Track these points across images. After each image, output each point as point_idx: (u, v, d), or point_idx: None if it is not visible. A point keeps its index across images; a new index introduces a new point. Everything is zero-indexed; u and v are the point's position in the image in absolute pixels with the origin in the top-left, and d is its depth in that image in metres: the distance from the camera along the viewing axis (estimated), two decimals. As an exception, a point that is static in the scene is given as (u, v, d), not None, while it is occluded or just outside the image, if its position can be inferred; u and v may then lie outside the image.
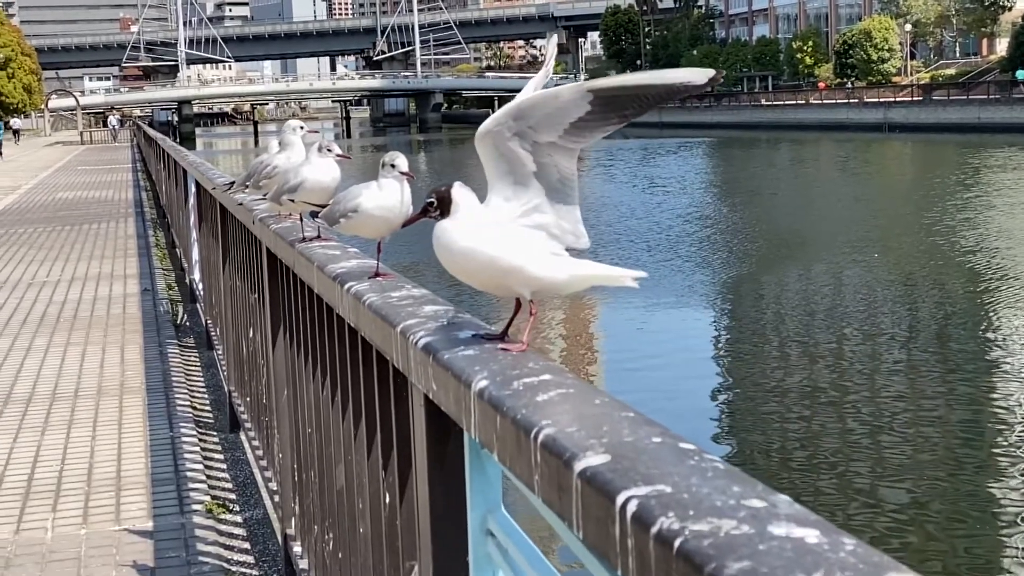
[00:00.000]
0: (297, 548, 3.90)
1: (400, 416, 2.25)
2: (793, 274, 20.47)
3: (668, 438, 1.18)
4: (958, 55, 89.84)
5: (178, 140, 47.37)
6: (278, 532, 4.57)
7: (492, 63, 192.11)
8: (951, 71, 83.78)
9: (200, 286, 9.41)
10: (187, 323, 9.82)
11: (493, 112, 1.81)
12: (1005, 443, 10.42)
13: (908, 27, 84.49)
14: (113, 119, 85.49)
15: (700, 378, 13.27)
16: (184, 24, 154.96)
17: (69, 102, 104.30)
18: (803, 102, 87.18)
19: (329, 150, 3.25)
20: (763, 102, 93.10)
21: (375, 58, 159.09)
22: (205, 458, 5.85)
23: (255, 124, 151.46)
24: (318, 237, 3.37)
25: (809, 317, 16.68)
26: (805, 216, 29.08)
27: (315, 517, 3.48)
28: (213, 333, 8.00)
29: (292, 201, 3.32)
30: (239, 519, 5.05)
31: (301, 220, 3.55)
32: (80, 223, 18.62)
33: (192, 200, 9.82)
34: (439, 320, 1.95)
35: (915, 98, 77.17)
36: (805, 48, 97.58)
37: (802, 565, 0.85)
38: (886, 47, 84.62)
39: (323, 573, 3.38)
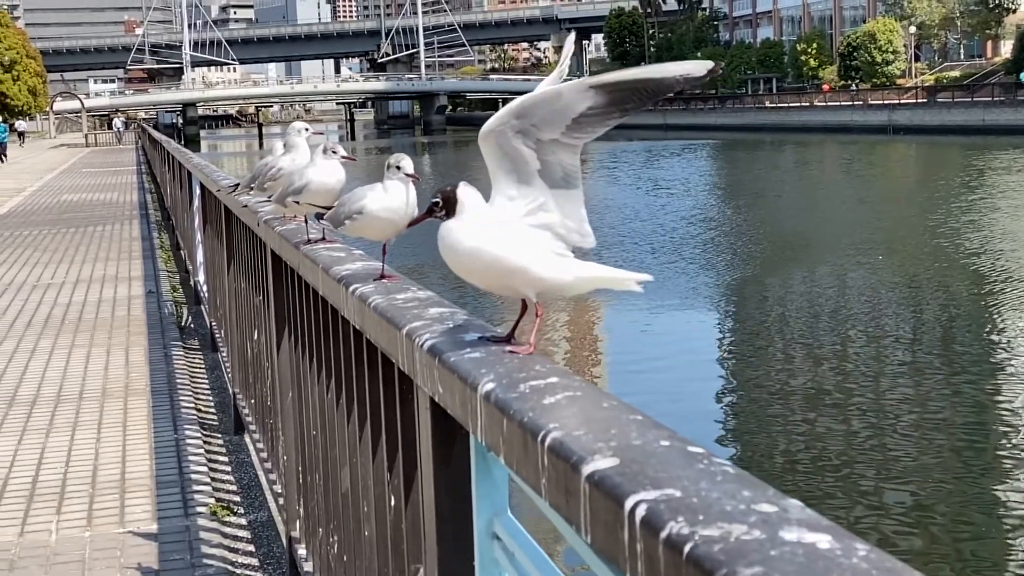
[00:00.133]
0: (302, 551, 3.89)
1: (405, 418, 2.25)
2: (797, 276, 20.44)
3: (677, 442, 1.17)
4: (962, 57, 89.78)
5: (183, 142, 47.43)
6: (283, 535, 4.56)
7: (496, 65, 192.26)
8: (955, 73, 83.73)
9: (204, 288, 9.41)
10: (191, 325, 9.82)
11: (497, 115, 1.81)
12: (1011, 445, 10.39)
13: (912, 29, 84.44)
14: (118, 121, 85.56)
15: (704, 380, 13.25)
16: (189, 27, 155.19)
17: (74, 104, 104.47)
18: (807, 104, 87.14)
19: (334, 152, 3.24)
20: (767, 104, 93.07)
21: (379, 60, 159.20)
22: (209, 460, 5.85)
23: (259, 126, 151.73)
24: (323, 239, 3.36)
25: (814, 319, 16.66)
26: (809, 218, 29.05)
27: (320, 520, 3.48)
28: (217, 335, 7.99)
29: (297, 203, 3.31)
30: (243, 522, 5.04)
31: (306, 222, 3.55)
32: (85, 225, 18.63)
33: (196, 202, 9.82)
34: (445, 322, 1.94)
35: (919, 100, 77.14)
36: (809, 50, 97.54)
37: (814, 571, 0.84)
38: (890, 49, 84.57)
39: (328, 576, 3.37)
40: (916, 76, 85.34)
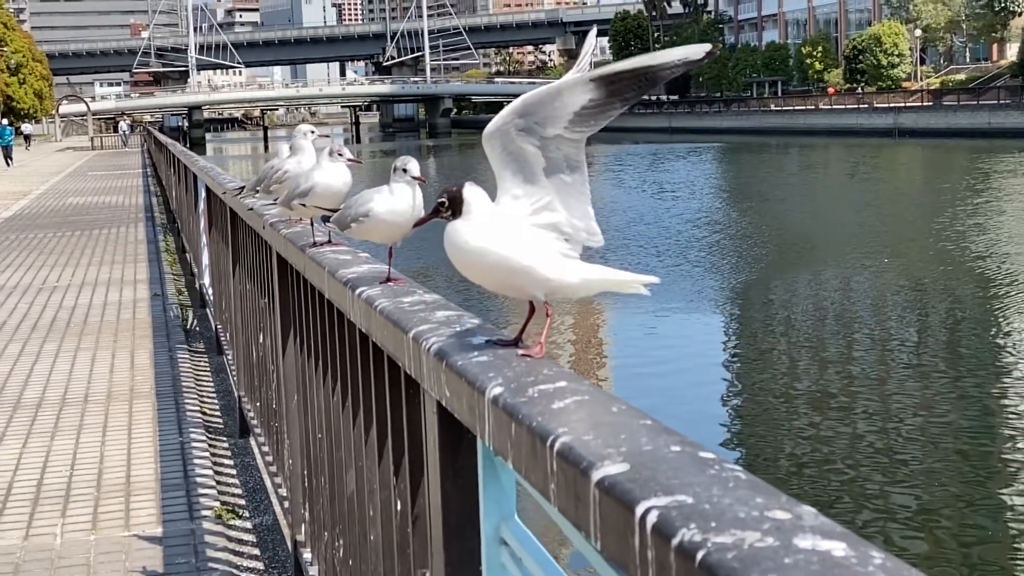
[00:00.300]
0: (307, 555, 3.88)
1: (412, 422, 2.23)
2: (803, 279, 20.41)
3: (687, 447, 1.16)
4: (968, 60, 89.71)
5: (188, 145, 47.48)
6: (288, 538, 4.55)
7: (501, 68, 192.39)
8: (961, 76, 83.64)
9: (210, 291, 9.41)
10: (197, 328, 9.82)
11: (502, 117, 1.80)
12: (1019, 449, 10.36)
13: (918, 32, 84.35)
14: (124, 124, 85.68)
15: (710, 383, 13.23)
16: (195, 30, 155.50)
17: (80, 108, 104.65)
18: (813, 107, 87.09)
19: (340, 154, 3.23)
20: (772, 107, 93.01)
21: (385, 63, 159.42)
22: (215, 463, 5.84)
23: (265, 129, 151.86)
24: (329, 242, 3.35)
25: (819, 322, 16.63)
26: (815, 221, 29.01)
27: (325, 523, 3.46)
28: (223, 338, 7.99)
29: (303, 206, 3.30)
30: (249, 525, 5.03)
31: (312, 225, 3.54)
32: (90, 228, 18.65)
33: (202, 205, 9.83)
34: (452, 326, 1.93)
35: (925, 103, 77.09)
36: (815, 53, 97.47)
37: (830, 579, 0.83)
38: (896, 52, 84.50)
39: (333, 580, 3.36)
40: (922, 79, 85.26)
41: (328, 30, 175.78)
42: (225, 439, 6.39)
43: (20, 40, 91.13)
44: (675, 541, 0.94)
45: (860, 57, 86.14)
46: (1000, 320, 15.87)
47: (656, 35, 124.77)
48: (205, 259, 9.84)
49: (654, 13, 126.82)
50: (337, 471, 3.15)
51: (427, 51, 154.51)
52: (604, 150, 67.38)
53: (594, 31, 2.11)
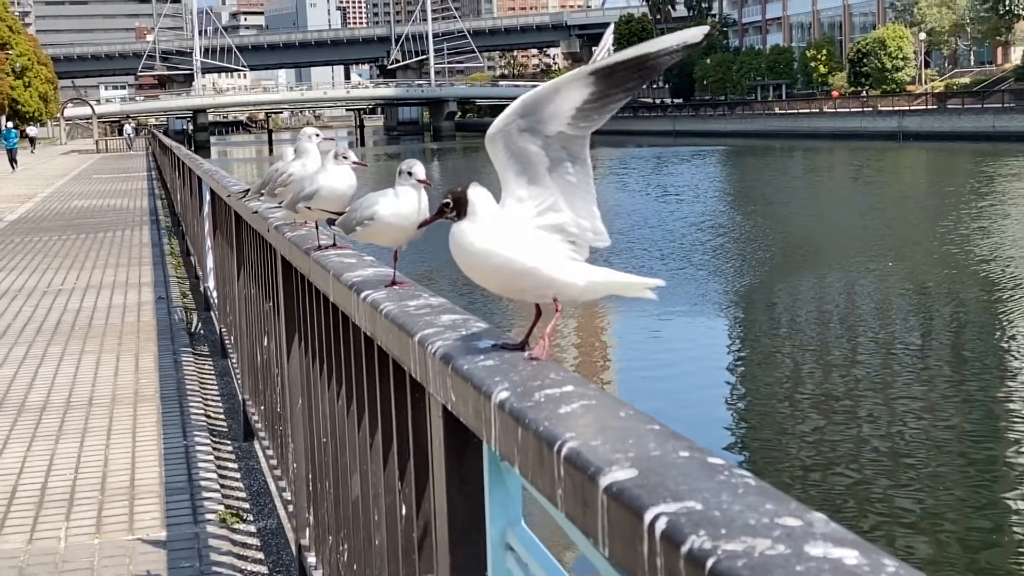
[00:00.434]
0: (311, 559, 3.87)
1: (417, 426, 2.22)
2: (807, 283, 20.39)
3: (696, 452, 1.15)
4: (972, 64, 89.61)
5: (193, 148, 47.53)
6: (292, 542, 4.54)
7: (506, 72, 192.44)
8: (965, 80, 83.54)
9: (214, 294, 9.41)
10: (201, 331, 9.81)
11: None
12: (1023, 453, 10.33)
13: (922, 36, 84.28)
14: (128, 128, 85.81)
15: (713, 387, 13.21)
16: (199, 33, 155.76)
17: (85, 111, 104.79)
18: (817, 111, 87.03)
19: (345, 157, 3.23)
20: (777, 111, 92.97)
21: (389, 67, 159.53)
22: (219, 467, 5.83)
23: (269, 132, 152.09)
24: (333, 245, 3.34)
25: (823, 326, 16.61)
26: (819, 225, 28.98)
27: (330, 527, 3.45)
28: (227, 341, 7.99)
29: (308, 209, 3.29)
30: (253, 529, 5.03)
31: (317, 228, 3.53)
32: (95, 231, 18.67)
33: (207, 208, 9.82)
34: (457, 329, 1.92)
35: (929, 107, 77.00)
36: (819, 57, 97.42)
37: (842, 587, 0.82)
38: (900, 56, 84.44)
39: (338, 584, 3.35)
40: (926, 82, 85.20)
41: (333, 33, 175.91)
42: (229, 443, 6.39)
43: (25, 43, 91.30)
44: (684, 548, 0.93)
45: (864, 60, 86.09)
46: (1005, 323, 15.84)
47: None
48: (210, 262, 9.84)
49: (658, 16, 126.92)
50: (342, 475, 3.14)
51: (431, 54, 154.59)
52: (608, 153, 67.40)
53: (611, 28, 2.10)
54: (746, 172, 53.67)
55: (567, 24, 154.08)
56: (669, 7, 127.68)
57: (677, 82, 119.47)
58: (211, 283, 9.81)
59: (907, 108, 77.62)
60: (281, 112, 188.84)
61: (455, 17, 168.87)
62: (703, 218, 30.48)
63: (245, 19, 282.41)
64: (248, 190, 4.93)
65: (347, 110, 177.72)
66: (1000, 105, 70.68)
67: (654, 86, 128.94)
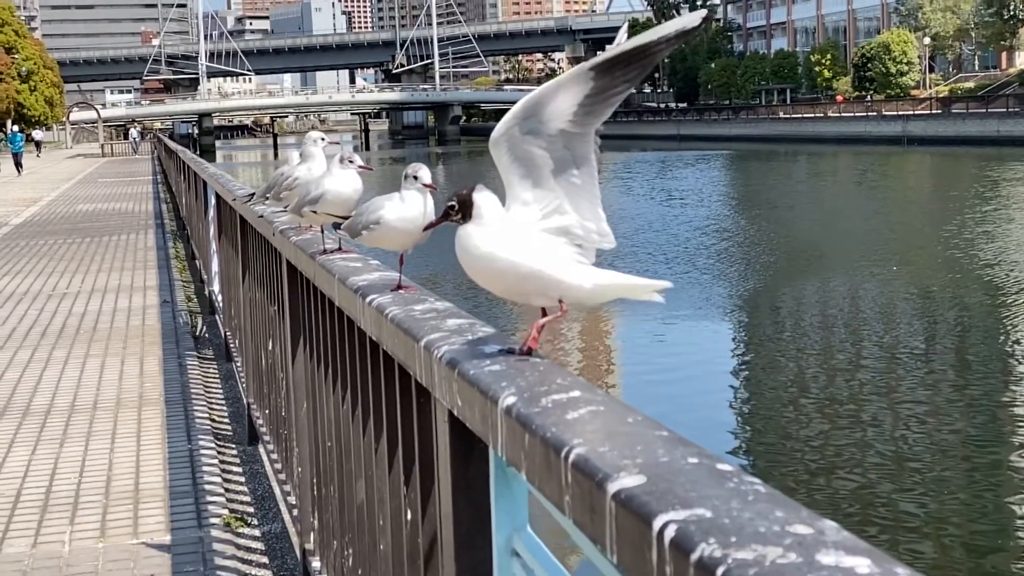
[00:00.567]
0: (316, 563, 3.86)
1: (423, 431, 2.22)
2: (811, 287, 20.36)
3: (705, 459, 1.14)
4: (977, 68, 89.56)
5: (198, 152, 47.60)
6: (296, 547, 4.54)
7: (511, 76, 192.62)
8: (970, 84, 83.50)
9: (219, 298, 9.41)
10: (206, 335, 9.82)
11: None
12: (1029, 459, 10.30)
13: (927, 40, 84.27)
14: (134, 132, 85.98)
15: (717, 391, 13.19)
16: (205, 38, 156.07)
17: (90, 115, 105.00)
18: (821, 115, 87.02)
19: (351, 161, 3.22)
20: (781, 115, 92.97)
21: (394, 71, 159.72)
22: (223, 471, 5.83)
23: (275, 136, 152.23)
24: (339, 249, 3.34)
25: (828, 330, 16.59)
26: (823, 229, 28.95)
27: (334, 532, 3.45)
28: (232, 345, 7.98)
29: (314, 213, 3.29)
30: (257, 533, 5.02)
31: (322, 232, 3.53)
32: (100, 235, 18.69)
33: (212, 212, 9.83)
34: (463, 334, 1.91)
35: (934, 111, 76.95)
36: (823, 61, 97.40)
37: (855, 597, 0.81)
38: (905, 60, 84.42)
39: (342, 589, 3.34)
40: (930, 87, 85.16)
41: (338, 38, 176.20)
42: (234, 446, 6.38)
43: (31, 48, 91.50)
44: (694, 556, 0.92)
45: (869, 65, 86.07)
46: (1009, 328, 15.80)
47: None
48: (215, 266, 9.84)
49: (663, 20, 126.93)
50: (347, 479, 3.13)
51: (436, 58, 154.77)
52: (613, 157, 67.41)
53: (625, 27, 2.09)
54: (750, 176, 53.65)
55: (572, 28, 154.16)
56: (674, 12, 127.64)
57: (681, 86, 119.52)
58: (216, 287, 9.81)
59: (911, 113, 77.59)
60: (286, 116, 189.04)
61: (460, 21, 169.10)
62: (707, 222, 30.47)
63: (250, 23, 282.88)
64: (253, 194, 4.93)
65: (352, 114, 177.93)
66: (1004, 110, 70.64)
67: (659, 90, 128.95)
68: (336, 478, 3.33)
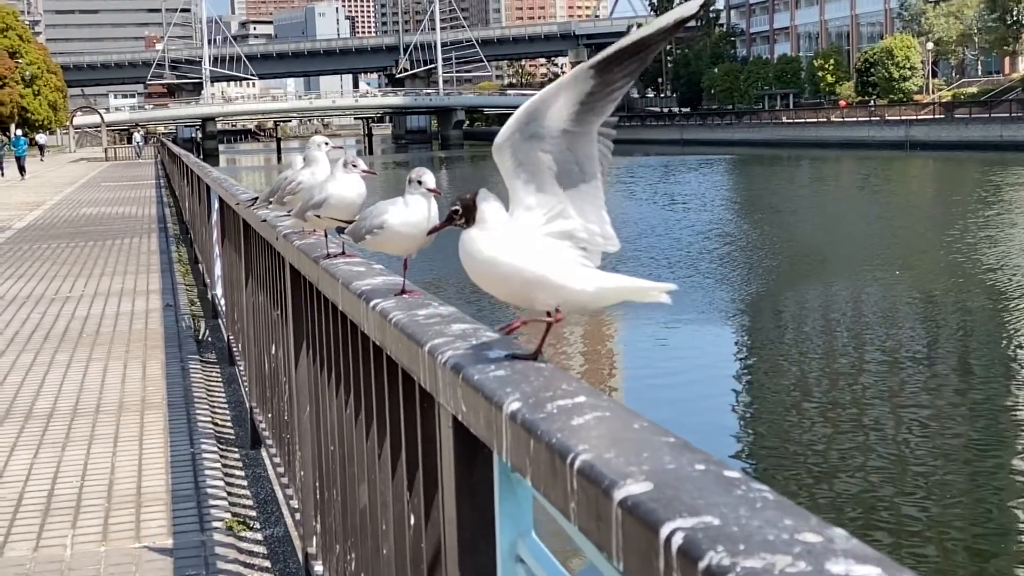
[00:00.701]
0: (318, 567, 3.85)
1: (426, 436, 2.21)
2: (814, 291, 20.35)
3: (712, 465, 1.13)
4: (980, 73, 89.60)
5: (202, 157, 47.64)
6: (299, 550, 4.53)
7: (514, 81, 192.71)
8: (973, 89, 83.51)
9: (222, 302, 9.40)
10: (209, 339, 9.81)
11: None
12: (1033, 465, 10.28)
13: (930, 45, 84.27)
14: (137, 136, 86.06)
15: (720, 395, 13.18)
16: (209, 42, 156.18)
17: (94, 119, 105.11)
18: (824, 120, 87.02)
19: (355, 166, 3.22)
20: (784, 120, 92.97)
21: (397, 75, 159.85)
22: (226, 475, 5.82)
23: (278, 141, 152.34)
24: (342, 253, 3.33)
25: (830, 335, 16.57)
26: (826, 234, 28.94)
27: (337, 536, 3.44)
28: (235, 349, 7.98)
29: (317, 217, 3.28)
30: (260, 537, 5.01)
31: (326, 236, 3.52)
32: (103, 239, 18.70)
33: (215, 216, 9.83)
34: (468, 339, 1.90)
35: (937, 116, 76.97)
36: (826, 66, 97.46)
37: (865, 606, 0.80)
38: (908, 65, 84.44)
39: (345, 594, 3.33)
40: (933, 92, 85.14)
41: (341, 42, 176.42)
42: (236, 450, 6.37)
43: (35, 52, 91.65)
44: (702, 564, 0.91)
45: (872, 70, 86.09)
46: (1012, 332, 15.78)
47: (669, 48, 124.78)
48: (218, 270, 9.84)
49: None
50: (350, 484, 3.12)
51: (440, 63, 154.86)
52: (616, 162, 67.18)
53: (635, 28, 2.10)
54: (753, 181, 53.63)
55: (575, 33, 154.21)
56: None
57: (685, 91, 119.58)
58: (219, 291, 9.81)
59: (914, 117, 77.60)
60: (290, 121, 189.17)
61: (463, 26, 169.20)
62: (710, 226, 30.46)
63: (254, 28, 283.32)
64: (257, 198, 4.93)
65: (355, 119, 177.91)
66: (1007, 115, 70.64)
67: (662, 95, 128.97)
68: (339, 482, 3.32)
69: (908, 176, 55.30)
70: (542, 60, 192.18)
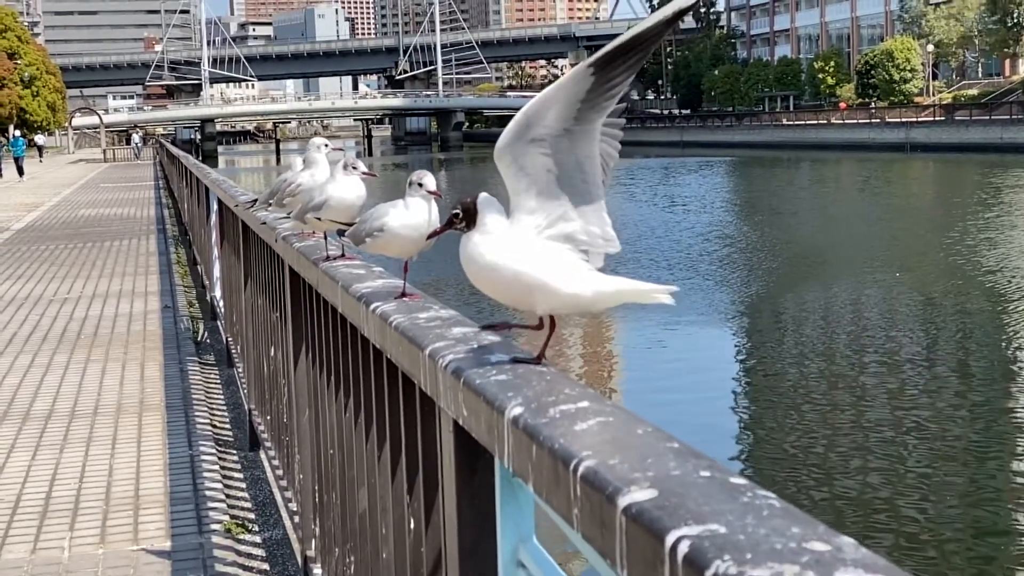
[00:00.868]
0: (318, 570, 3.84)
1: (427, 440, 2.19)
2: (814, 293, 20.33)
3: (718, 472, 1.11)
4: (980, 75, 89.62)
5: (200, 158, 47.64)
6: (298, 553, 4.51)
7: (514, 82, 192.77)
8: (973, 91, 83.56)
9: (221, 303, 9.39)
10: (207, 340, 9.80)
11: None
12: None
13: (930, 47, 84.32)
14: (136, 137, 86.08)
15: (719, 398, 13.16)
16: (208, 44, 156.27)
17: (93, 120, 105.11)
18: (824, 122, 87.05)
19: (354, 168, 3.20)
20: (784, 122, 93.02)
21: (397, 77, 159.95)
22: (224, 477, 5.80)
23: (277, 142, 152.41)
24: (342, 256, 3.32)
25: (830, 337, 16.55)
26: (826, 236, 28.94)
27: (336, 539, 3.42)
28: (234, 351, 7.96)
29: (317, 219, 3.27)
30: (258, 539, 4.99)
31: (325, 238, 3.50)
32: (102, 240, 18.68)
33: (214, 218, 9.82)
34: (469, 343, 1.88)
35: (937, 118, 77.04)
36: (827, 68, 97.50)
37: (876, 617, 0.79)
38: (908, 67, 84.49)
39: (344, 598, 3.32)
40: (934, 94, 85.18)
41: (341, 44, 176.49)
42: (235, 452, 6.36)
43: (34, 53, 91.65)
44: (709, 573, 0.89)
45: (872, 72, 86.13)
46: (1012, 334, 15.77)
47: (669, 50, 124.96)
48: (216, 271, 9.83)
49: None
50: (349, 487, 3.11)
51: (439, 65, 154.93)
52: (616, 163, 67.33)
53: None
54: (753, 183, 53.64)
55: (575, 35, 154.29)
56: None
57: (685, 93, 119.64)
58: (218, 292, 9.80)
59: (915, 120, 77.66)
60: (289, 122, 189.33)
61: (463, 28, 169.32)
62: (710, 228, 30.46)
63: (253, 29, 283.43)
64: (256, 200, 4.91)
65: (355, 120, 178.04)
66: (1008, 117, 70.71)
67: (662, 97, 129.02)
68: (338, 485, 3.31)
69: (908, 178, 55.32)
70: (542, 62, 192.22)
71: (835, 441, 11.24)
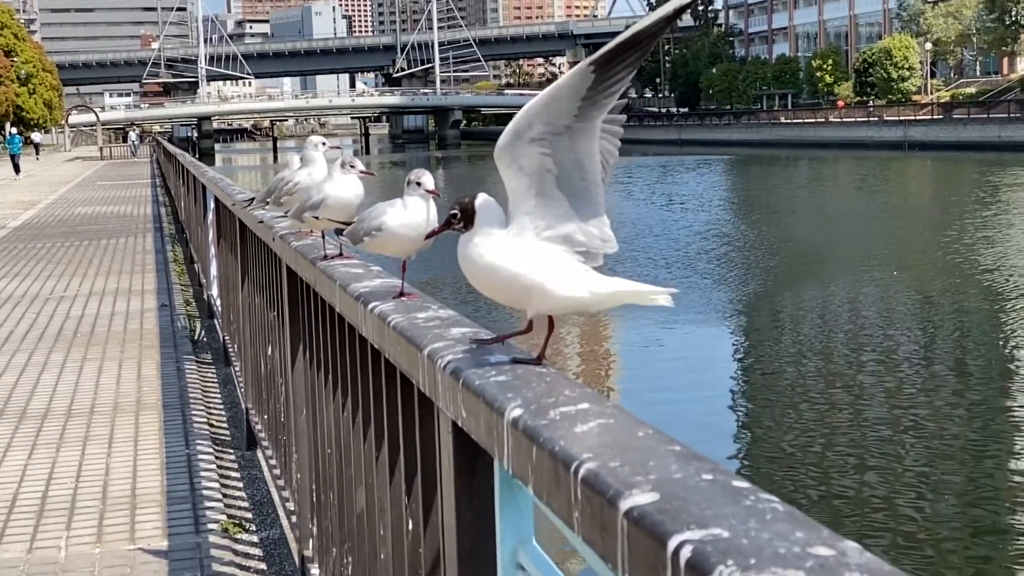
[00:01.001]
0: (315, 570, 3.83)
1: (425, 441, 2.18)
2: (812, 292, 20.33)
3: (720, 475, 1.10)
4: (978, 74, 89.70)
5: (197, 156, 47.61)
6: (295, 553, 4.50)
7: (511, 81, 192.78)
8: (971, 90, 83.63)
9: (218, 302, 9.37)
10: (204, 339, 9.78)
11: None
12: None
13: (928, 46, 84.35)
14: (133, 135, 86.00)
15: (717, 397, 13.15)
16: (205, 41, 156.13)
17: (89, 118, 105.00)
18: (822, 120, 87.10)
19: (352, 166, 3.19)
20: (782, 120, 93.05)
21: (395, 75, 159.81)
22: (221, 476, 5.79)
23: (274, 140, 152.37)
24: (340, 255, 3.31)
25: (828, 335, 16.55)
26: (824, 234, 28.95)
27: (334, 539, 3.41)
28: (231, 349, 7.95)
29: (315, 218, 3.26)
30: (255, 539, 4.98)
31: (323, 237, 3.49)
32: (98, 238, 18.65)
33: (211, 216, 9.80)
34: (467, 343, 1.87)
35: (935, 116, 77.09)
36: (825, 66, 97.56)
37: (882, 624, 0.78)
38: (906, 65, 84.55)
39: (342, 598, 3.30)
40: (932, 92, 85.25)
41: (338, 42, 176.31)
42: (232, 451, 6.34)
43: (30, 50, 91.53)
44: (712, 579, 0.88)
45: (870, 70, 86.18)
46: (1009, 333, 15.77)
47: (667, 48, 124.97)
48: (213, 270, 9.80)
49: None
50: (347, 487, 3.10)
51: (437, 63, 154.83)
52: (616, 161, 67.36)
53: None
54: (751, 181, 53.66)
55: (573, 33, 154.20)
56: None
57: (683, 91, 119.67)
58: (215, 291, 9.78)
59: (913, 118, 77.70)
60: (286, 120, 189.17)
61: (461, 26, 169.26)
62: (708, 227, 30.45)
63: (250, 27, 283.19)
64: (253, 198, 4.90)
65: (352, 118, 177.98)
66: (1006, 115, 70.79)
67: (660, 95, 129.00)
68: (336, 485, 3.30)
69: (906, 176, 55.35)
70: (540, 60, 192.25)
71: (833, 440, 11.24)
